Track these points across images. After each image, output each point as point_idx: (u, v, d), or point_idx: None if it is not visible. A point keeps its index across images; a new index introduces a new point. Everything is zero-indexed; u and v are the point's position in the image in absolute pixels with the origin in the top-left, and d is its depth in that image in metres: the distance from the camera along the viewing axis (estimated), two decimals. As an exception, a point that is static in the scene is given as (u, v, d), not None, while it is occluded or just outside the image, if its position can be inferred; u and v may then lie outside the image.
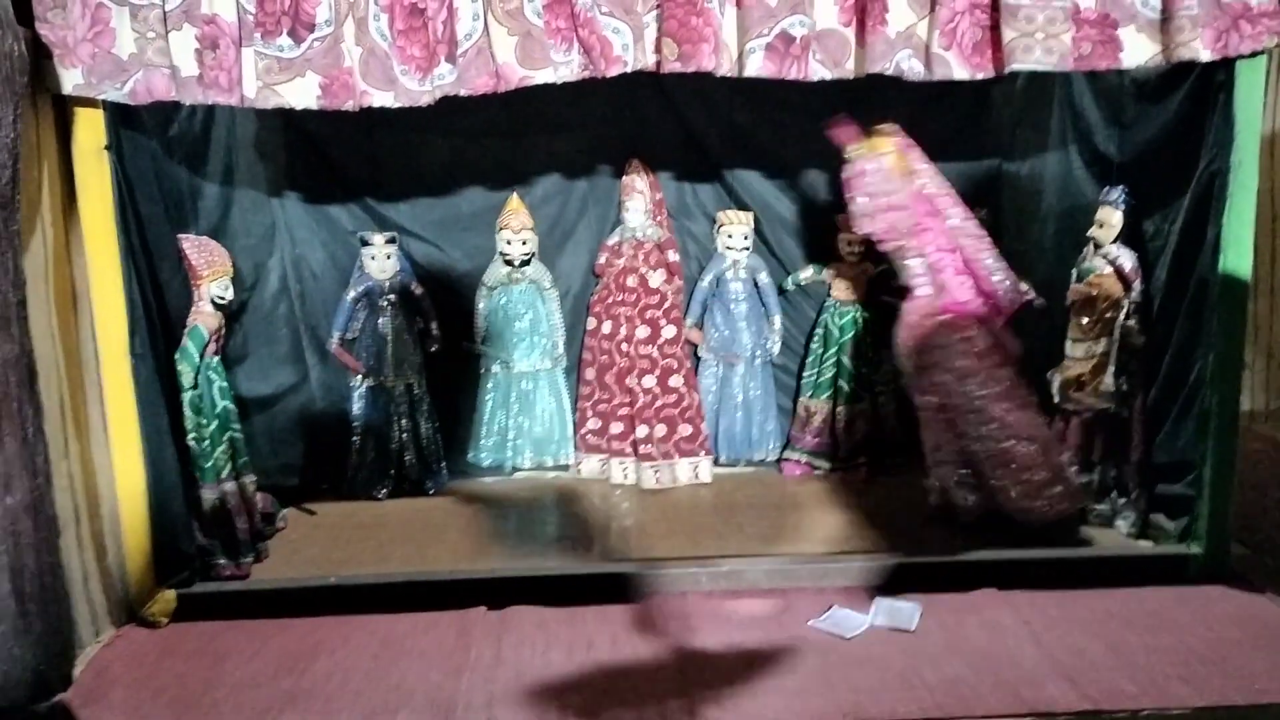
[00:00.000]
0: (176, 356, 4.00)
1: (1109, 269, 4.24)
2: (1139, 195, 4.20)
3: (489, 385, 5.13)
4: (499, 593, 3.92)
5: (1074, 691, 3.20)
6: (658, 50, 3.54)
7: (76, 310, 3.67)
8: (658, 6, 3.50)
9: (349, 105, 3.56)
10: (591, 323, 5.15)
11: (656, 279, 5.03)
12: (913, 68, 3.59)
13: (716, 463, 5.19)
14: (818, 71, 3.59)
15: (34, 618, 3.17)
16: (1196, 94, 3.86)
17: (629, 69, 3.57)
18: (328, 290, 5.02)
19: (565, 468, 5.19)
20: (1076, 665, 3.36)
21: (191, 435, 4.03)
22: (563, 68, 3.58)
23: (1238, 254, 3.77)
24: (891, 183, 4.07)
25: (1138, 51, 3.58)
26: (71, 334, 3.65)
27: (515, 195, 4.99)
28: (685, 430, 5.06)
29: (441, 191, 5.06)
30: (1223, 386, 3.86)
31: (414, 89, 3.57)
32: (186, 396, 4.01)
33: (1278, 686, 3.21)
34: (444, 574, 4.08)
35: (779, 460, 5.26)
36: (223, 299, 4.17)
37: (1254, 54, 3.59)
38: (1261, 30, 3.52)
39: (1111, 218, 4.22)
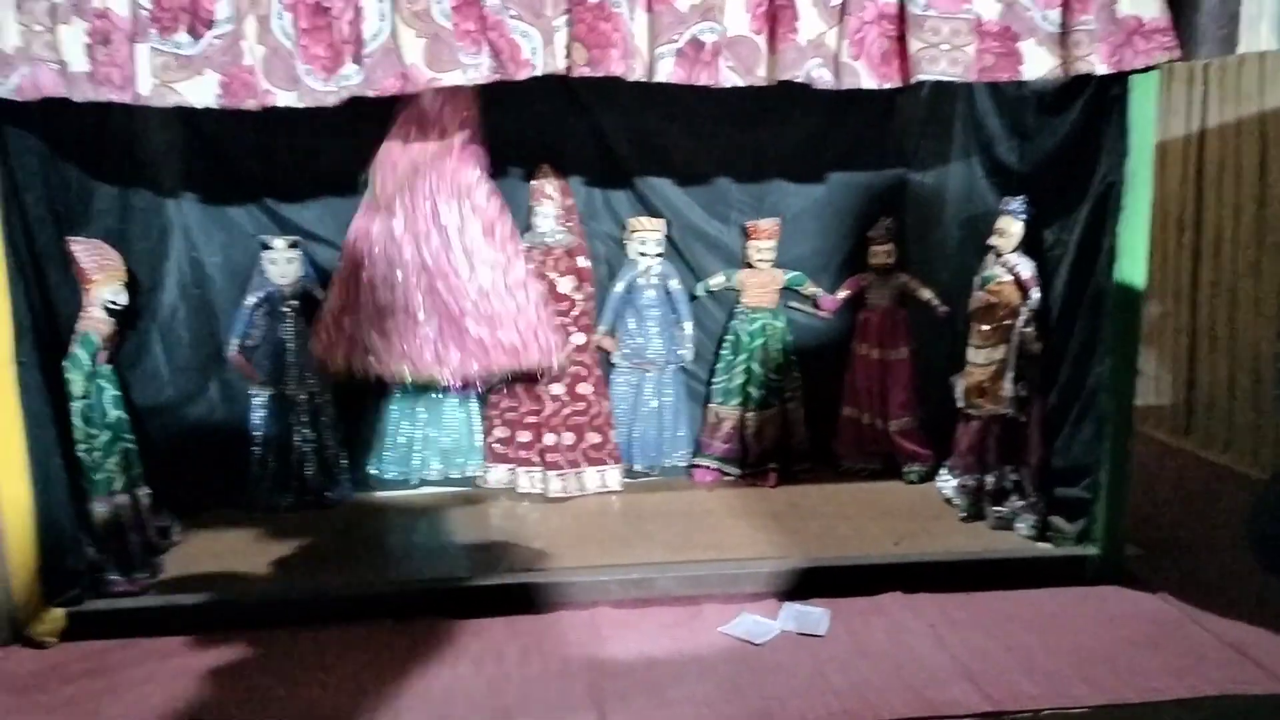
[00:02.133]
0: (65, 364, 3.86)
1: (1008, 277, 4.35)
2: (1039, 205, 4.31)
3: (395, 394, 5.01)
4: (405, 606, 3.85)
5: (977, 693, 3.26)
6: (567, 55, 3.52)
7: (-44, 317, 3.51)
8: (567, 11, 3.48)
9: (250, 104, 3.47)
10: (501, 329, 5.07)
11: (566, 285, 4.97)
12: (822, 76, 3.62)
13: (631, 470, 5.17)
14: (729, 78, 3.59)
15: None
16: (1093, 107, 3.98)
17: (538, 73, 3.54)
18: (227, 296, 4.85)
19: (473, 478, 5.11)
20: (979, 667, 3.42)
21: (82, 446, 3.88)
22: (472, 70, 3.52)
23: (1132, 262, 3.88)
24: None
25: (1038, 64, 3.66)
26: (-49, 341, 3.48)
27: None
28: (593, 438, 5.02)
29: (346, 195, 4.94)
30: (1118, 392, 3.97)
31: (319, 89, 3.48)
32: (76, 406, 3.87)
33: (1171, 685, 3.31)
34: (348, 587, 3.99)
35: (689, 466, 5.26)
36: (115, 304, 4.03)
37: (1147, 69, 3.71)
38: (1155, 46, 3.63)
39: (1011, 227, 4.32)
